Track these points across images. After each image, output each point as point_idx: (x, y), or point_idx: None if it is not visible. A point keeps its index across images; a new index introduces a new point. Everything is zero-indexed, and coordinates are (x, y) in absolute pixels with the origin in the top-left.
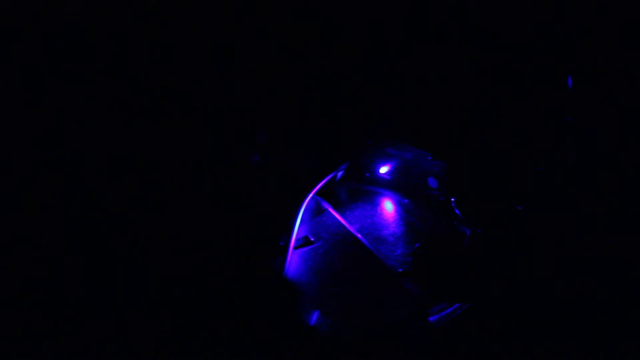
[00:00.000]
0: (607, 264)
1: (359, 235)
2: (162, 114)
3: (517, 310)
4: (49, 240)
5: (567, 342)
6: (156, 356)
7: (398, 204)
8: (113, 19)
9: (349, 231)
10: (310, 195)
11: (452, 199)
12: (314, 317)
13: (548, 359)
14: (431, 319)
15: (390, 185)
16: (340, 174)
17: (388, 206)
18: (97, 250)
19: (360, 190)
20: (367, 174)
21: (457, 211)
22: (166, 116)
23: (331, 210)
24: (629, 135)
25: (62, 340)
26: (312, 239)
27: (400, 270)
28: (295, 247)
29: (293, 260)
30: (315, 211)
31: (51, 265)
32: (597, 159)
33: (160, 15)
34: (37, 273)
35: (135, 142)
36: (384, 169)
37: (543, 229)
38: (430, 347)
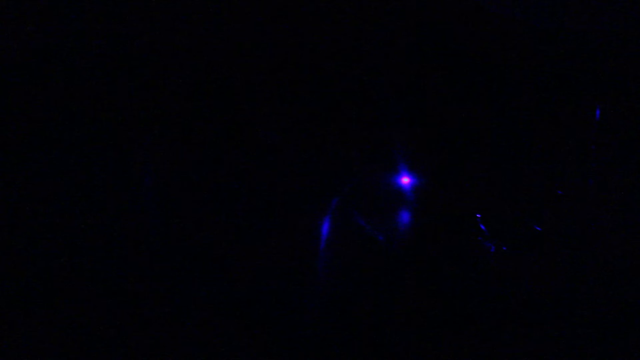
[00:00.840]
0: (607, 264)
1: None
2: (162, 114)
3: (526, 313)
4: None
5: (567, 342)
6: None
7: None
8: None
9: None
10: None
11: (478, 215)
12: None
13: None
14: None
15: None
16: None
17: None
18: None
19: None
20: None
21: (482, 227)
22: (166, 116)
23: (354, 214)
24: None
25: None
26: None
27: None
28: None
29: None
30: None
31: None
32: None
33: (160, 14)
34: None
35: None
36: (405, 180)
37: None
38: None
